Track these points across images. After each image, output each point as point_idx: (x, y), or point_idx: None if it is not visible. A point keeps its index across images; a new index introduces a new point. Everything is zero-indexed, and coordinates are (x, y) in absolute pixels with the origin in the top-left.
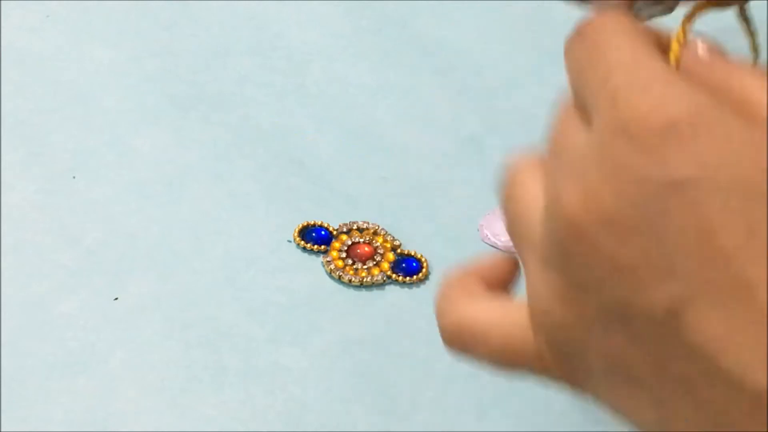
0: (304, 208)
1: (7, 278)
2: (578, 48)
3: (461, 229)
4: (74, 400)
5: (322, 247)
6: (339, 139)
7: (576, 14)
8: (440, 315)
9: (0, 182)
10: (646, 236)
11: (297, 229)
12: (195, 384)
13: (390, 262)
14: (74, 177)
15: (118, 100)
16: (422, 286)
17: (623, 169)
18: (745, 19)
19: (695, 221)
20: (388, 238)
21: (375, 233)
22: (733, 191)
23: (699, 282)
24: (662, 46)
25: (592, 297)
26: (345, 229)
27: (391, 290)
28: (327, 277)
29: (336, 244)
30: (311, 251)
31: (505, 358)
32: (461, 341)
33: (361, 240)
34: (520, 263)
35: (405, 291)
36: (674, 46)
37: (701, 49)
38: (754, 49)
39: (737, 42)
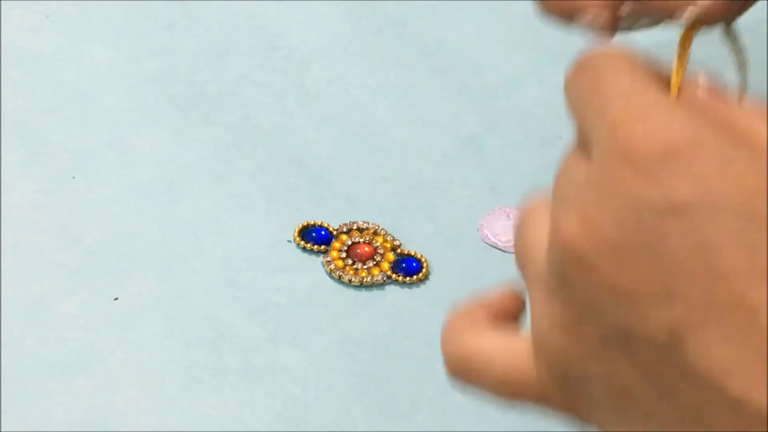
0: (304, 208)
1: (7, 278)
2: (577, 80)
3: (461, 229)
4: (74, 400)
5: (322, 247)
6: (339, 139)
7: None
8: (444, 344)
9: (0, 182)
10: (646, 261)
11: (297, 229)
12: (195, 384)
13: (390, 262)
14: (74, 177)
15: (118, 100)
16: (422, 286)
17: (622, 193)
18: (731, 37)
19: (696, 244)
20: (388, 238)
21: (375, 233)
22: (734, 214)
23: (700, 305)
24: (662, 77)
25: (594, 324)
26: (345, 229)
27: (391, 290)
28: (327, 277)
29: (336, 244)
30: (311, 251)
31: (507, 389)
32: (464, 371)
33: (361, 240)
34: (527, 296)
35: (405, 291)
36: (673, 77)
37: (702, 85)
38: (742, 66)
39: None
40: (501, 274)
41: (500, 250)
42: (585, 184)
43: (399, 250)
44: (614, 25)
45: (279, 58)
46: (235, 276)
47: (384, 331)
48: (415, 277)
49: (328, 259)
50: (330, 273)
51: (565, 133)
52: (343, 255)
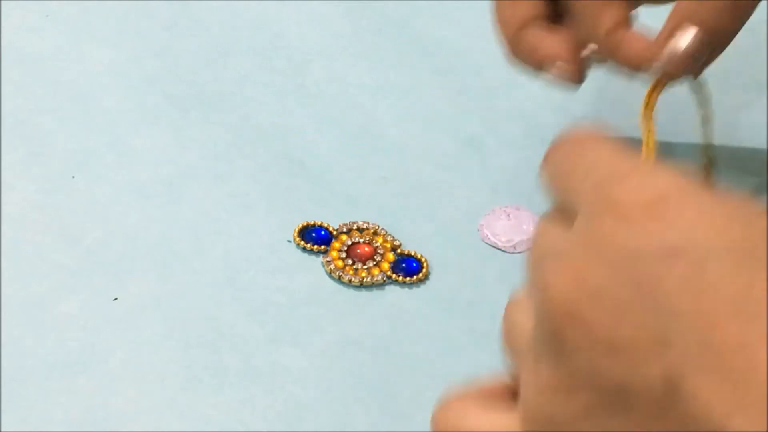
0: (304, 208)
1: (7, 278)
2: (557, 155)
3: (461, 229)
4: (74, 400)
5: (322, 247)
6: (339, 139)
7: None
8: (434, 423)
9: (0, 182)
10: (641, 309)
11: (297, 229)
12: (195, 384)
13: (390, 262)
14: (74, 177)
15: (118, 100)
16: (422, 286)
17: (614, 245)
18: (697, 90)
19: (691, 287)
20: (388, 238)
21: (375, 233)
22: (727, 257)
23: (697, 349)
24: (635, 149)
25: (587, 382)
26: (345, 229)
27: (391, 290)
28: (327, 277)
29: (336, 244)
30: (311, 251)
31: None
32: None
33: (361, 240)
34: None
35: (405, 291)
36: (645, 139)
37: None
38: (706, 120)
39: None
40: (501, 274)
41: (500, 250)
42: (571, 243)
43: (399, 250)
44: (580, 77)
45: (279, 58)
46: (235, 276)
47: (384, 331)
48: (415, 277)
49: (328, 259)
50: (330, 273)
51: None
52: (343, 255)
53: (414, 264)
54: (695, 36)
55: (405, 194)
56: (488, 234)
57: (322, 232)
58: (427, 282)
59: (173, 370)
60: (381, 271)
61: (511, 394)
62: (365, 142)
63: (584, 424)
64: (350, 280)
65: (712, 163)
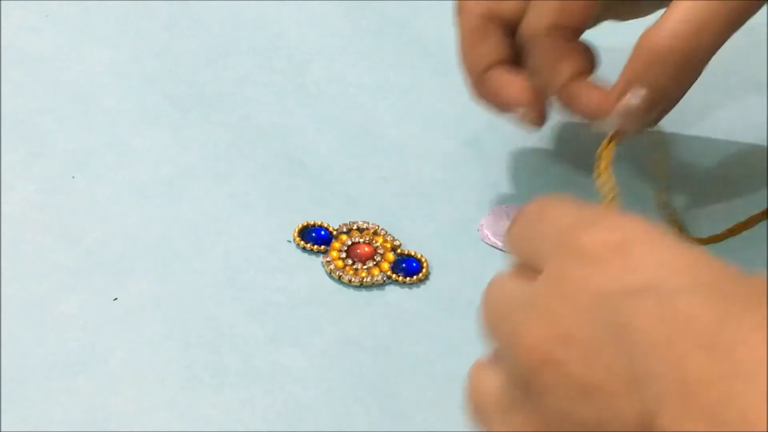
0: (304, 208)
1: (7, 278)
2: (522, 219)
3: (461, 229)
4: (74, 400)
5: (322, 247)
6: (339, 139)
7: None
8: None
9: (0, 182)
10: (612, 348)
11: (297, 229)
12: (195, 384)
13: (390, 262)
14: (74, 177)
15: (118, 100)
16: (422, 286)
17: (582, 288)
18: (652, 136)
19: (661, 323)
20: (388, 238)
21: (375, 233)
22: (695, 293)
23: (669, 383)
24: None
25: (563, 426)
26: (345, 229)
27: (391, 290)
28: (327, 278)
29: (336, 244)
30: (311, 251)
31: None
32: None
33: (361, 240)
34: None
35: (405, 291)
36: (605, 191)
37: None
38: (663, 177)
39: None
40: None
41: (500, 250)
42: (539, 291)
43: (399, 250)
44: (541, 120)
45: (279, 58)
46: (235, 276)
47: (384, 331)
48: (415, 277)
49: (328, 259)
50: (330, 273)
51: (564, 133)
52: (343, 255)
53: (414, 264)
54: (644, 97)
55: (405, 194)
56: (488, 234)
57: (322, 232)
58: (427, 282)
59: (173, 370)
60: (381, 271)
61: None
62: (365, 142)
63: None
64: (350, 280)
65: (667, 206)
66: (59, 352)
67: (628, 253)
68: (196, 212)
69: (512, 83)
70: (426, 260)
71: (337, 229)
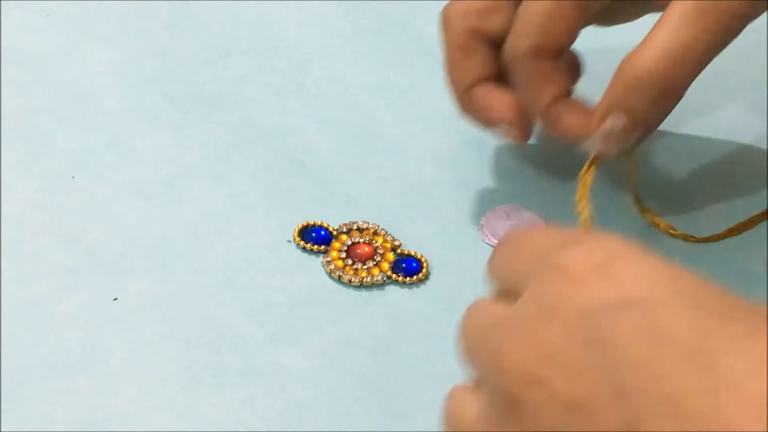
0: (304, 208)
1: (7, 278)
2: (501, 249)
3: (461, 229)
4: (74, 400)
5: (322, 247)
6: (339, 139)
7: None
8: None
9: (0, 182)
10: (596, 363)
11: (297, 229)
12: (195, 384)
13: (390, 262)
14: (74, 177)
15: (118, 100)
16: (422, 286)
17: (564, 305)
18: (631, 164)
19: (643, 335)
20: (388, 238)
21: (375, 233)
22: (676, 306)
23: (654, 396)
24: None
25: None
26: (345, 229)
27: (391, 290)
28: (327, 278)
29: (336, 244)
30: (311, 251)
31: None
32: None
33: (361, 240)
34: None
35: (405, 291)
36: (581, 213)
37: None
38: (637, 201)
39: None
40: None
41: None
42: (520, 311)
43: (399, 250)
44: (526, 136)
45: (279, 58)
46: (235, 276)
47: (384, 331)
48: (415, 277)
49: (328, 259)
50: (330, 273)
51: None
52: (343, 255)
53: (414, 264)
54: (624, 123)
55: (405, 194)
56: (488, 234)
57: (322, 232)
58: (427, 282)
59: (173, 370)
60: (381, 271)
61: None
62: (365, 142)
63: None
64: (350, 280)
65: (645, 210)
66: (59, 352)
67: (608, 270)
68: (196, 212)
69: (497, 100)
70: (426, 260)
71: (337, 229)
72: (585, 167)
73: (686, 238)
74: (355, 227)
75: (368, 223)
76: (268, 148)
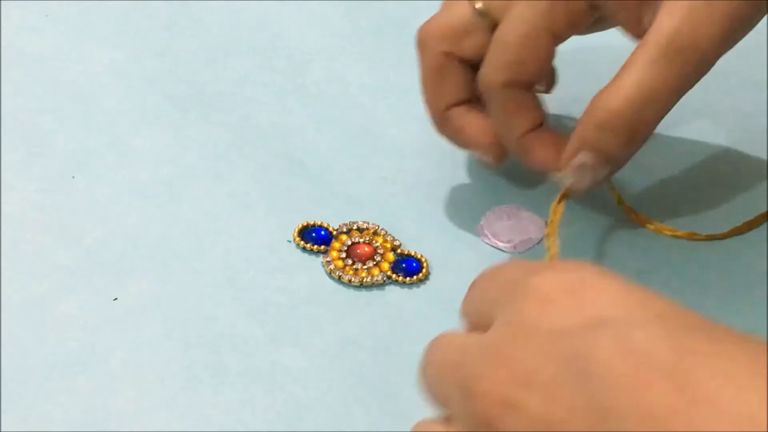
0: (304, 208)
1: (7, 278)
2: (474, 287)
3: (461, 229)
4: (74, 400)
5: (322, 247)
6: (339, 139)
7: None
8: None
9: (0, 182)
10: (573, 384)
11: (297, 229)
12: (195, 384)
13: (390, 262)
14: (74, 177)
15: (118, 100)
16: (422, 286)
17: (538, 328)
18: (614, 192)
19: (620, 354)
20: (388, 238)
21: (375, 233)
22: (650, 326)
23: (632, 414)
24: None
25: None
26: (345, 229)
27: (391, 290)
28: (327, 278)
29: (336, 244)
30: (311, 251)
31: None
32: None
33: (361, 240)
34: None
35: (405, 291)
36: (550, 243)
37: None
38: (631, 212)
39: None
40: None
41: (500, 250)
42: (493, 337)
43: (399, 250)
44: (501, 160)
45: (279, 58)
46: (235, 276)
47: (384, 331)
48: (415, 277)
49: (328, 259)
50: (330, 273)
51: (564, 133)
52: (343, 255)
53: (414, 264)
54: (594, 161)
55: (405, 194)
56: (488, 234)
57: (322, 232)
58: (427, 282)
59: (173, 370)
60: (381, 271)
61: None
62: (365, 142)
63: None
64: (350, 280)
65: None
66: (59, 352)
67: (581, 293)
68: (196, 212)
69: (471, 124)
70: (426, 260)
71: (337, 229)
72: (555, 201)
73: (691, 236)
74: (355, 227)
75: (368, 223)
76: (268, 148)
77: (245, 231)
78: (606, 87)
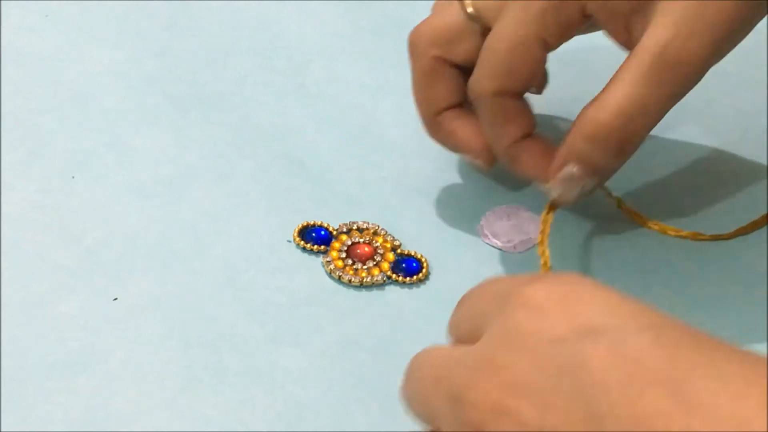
0: (304, 208)
1: (7, 278)
2: (461, 302)
3: (461, 229)
4: (74, 400)
5: (322, 247)
6: (339, 139)
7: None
8: None
9: (0, 182)
10: (567, 390)
11: (297, 229)
12: (195, 384)
13: (390, 262)
14: (74, 177)
15: (118, 100)
16: (422, 286)
17: (531, 336)
18: (609, 197)
19: (614, 361)
20: (388, 238)
21: (375, 233)
22: (642, 334)
23: (626, 420)
24: None
25: None
26: (345, 229)
27: (391, 290)
28: (327, 278)
29: (336, 244)
30: (311, 251)
31: None
32: None
33: (361, 240)
34: None
35: (405, 291)
36: (541, 253)
37: None
38: (620, 208)
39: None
40: (501, 275)
41: (500, 250)
42: (484, 347)
43: (399, 250)
44: (491, 164)
45: (279, 58)
46: (235, 276)
47: (384, 331)
48: (415, 277)
49: (328, 259)
50: (330, 273)
51: (563, 133)
52: (343, 255)
53: (414, 264)
54: (581, 173)
55: (405, 194)
56: (488, 234)
57: (322, 232)
58: (427, 282)
59: (173, 370)
60: (381, 271)
61: None
62: (365, 142)
63: None
64: (350, 280)
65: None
66: (59, 352)
67: (574, 302)
68: (196, 212)
69: (462, 128)
70: (426, 260)
71: (337, 229)
72: (545, 211)
73: (695, 236)
74: (355, 227)
75: (368, 223)
76: (268, 148)
77: (245, 231)
78: (595, 99)
